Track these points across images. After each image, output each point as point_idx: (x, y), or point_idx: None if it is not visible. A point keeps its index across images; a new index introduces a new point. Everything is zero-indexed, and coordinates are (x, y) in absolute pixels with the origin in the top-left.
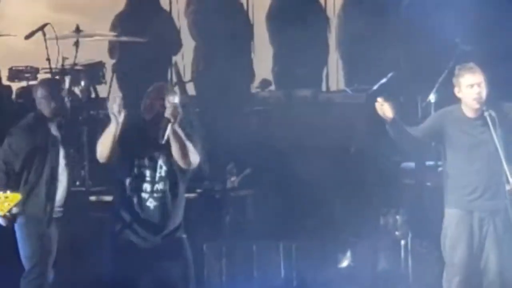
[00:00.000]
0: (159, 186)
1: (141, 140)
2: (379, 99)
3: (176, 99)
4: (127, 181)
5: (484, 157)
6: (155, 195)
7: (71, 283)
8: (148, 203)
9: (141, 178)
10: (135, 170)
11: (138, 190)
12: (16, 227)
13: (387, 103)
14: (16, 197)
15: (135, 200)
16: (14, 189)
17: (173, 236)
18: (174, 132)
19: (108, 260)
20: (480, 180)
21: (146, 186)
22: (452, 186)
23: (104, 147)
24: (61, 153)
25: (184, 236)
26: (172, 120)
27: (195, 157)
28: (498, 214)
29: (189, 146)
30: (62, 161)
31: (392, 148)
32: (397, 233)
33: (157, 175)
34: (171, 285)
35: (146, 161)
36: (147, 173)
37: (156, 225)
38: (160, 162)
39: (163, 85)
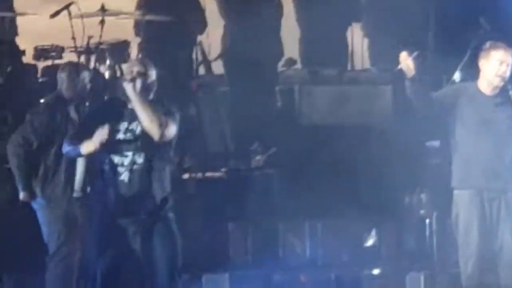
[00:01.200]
0: (134, 159)
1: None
2: (404, 53)
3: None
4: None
5: (494, 135)
6: (129, 168)
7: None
8: (123, 177)
9: (117, 153)
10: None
11: (115, 165)
12: (38, 208)
13: (411, 59)
14: None
15: (112, 175)
16: (33, 166)
17: (157, 214)
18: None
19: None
20: (490, 159)
21: (122, 160)
22: (461, 165)
23: None
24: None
25: (171, 215)
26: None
27: (167, 130)
28: (509, 194)
29: (154, 115)
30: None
31: (417, 127)
32: (421, 211)
33: (132, 149)
34: (154, 264)
35: (121, 135)
36: (123, 147)
37: (132, 201)
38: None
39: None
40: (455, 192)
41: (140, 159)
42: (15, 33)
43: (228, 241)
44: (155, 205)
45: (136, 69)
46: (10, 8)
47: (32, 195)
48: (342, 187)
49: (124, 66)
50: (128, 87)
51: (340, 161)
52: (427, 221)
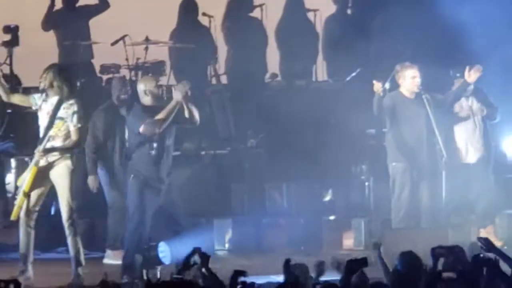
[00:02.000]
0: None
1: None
2: (375, 81)
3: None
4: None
5: (416, 126)
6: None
7: None
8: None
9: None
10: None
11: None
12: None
13: (378, 83)
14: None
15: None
16: (99, 155)
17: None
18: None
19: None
20: (417, 142)
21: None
22: (395, 146)
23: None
24: (126, 129)
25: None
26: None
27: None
28: (430, 166)
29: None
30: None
31: (359, 120)
32: (363, 177)
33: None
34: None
35: None
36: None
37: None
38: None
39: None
40: (393, 164)
41: (169, 141)
42: (91, 55)
43: (231, 196)
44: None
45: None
46: (89, 38)
47: (96, 177)
48: (309, 160)
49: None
50: (177, 94)
51: (308, 143)
52: (366, 183)
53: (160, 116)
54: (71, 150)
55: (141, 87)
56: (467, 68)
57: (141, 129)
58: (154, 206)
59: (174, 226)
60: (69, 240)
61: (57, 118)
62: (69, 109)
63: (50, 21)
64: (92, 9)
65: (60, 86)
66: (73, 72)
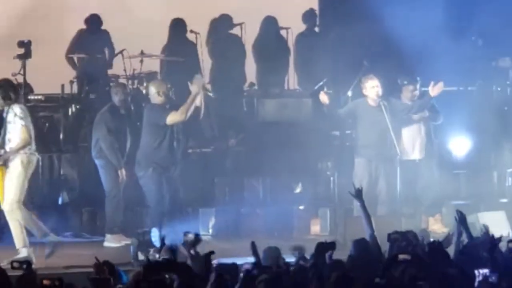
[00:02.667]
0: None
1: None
2: (322, 93)
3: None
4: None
5: (378, 129)
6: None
7: None
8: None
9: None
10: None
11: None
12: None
13: (325, 95)
14: None
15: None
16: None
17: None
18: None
19: None
20: (376, 142)
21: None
22: (360, 145)
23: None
24: (128, 127)
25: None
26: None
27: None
28: (387, 162)
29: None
30: (130, 131)
31: (325, 123)
32: (328, 172)
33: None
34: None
35: None
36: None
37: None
38: None
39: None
40: (356, 160)
41: (179, 134)
42: (110, 66)
43: (214, 189)
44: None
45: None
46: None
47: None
48: (282, 158)
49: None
50: (195, 87)
51: (281, 143)
52: (331, 178)
53: (184, 106)
54: (23, 148)
55: (153, 89)
56: (432, 83)
57: (168, 119)
58: (169, 193)
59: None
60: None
61: (8, 123)
62: (14, 114)
63: (77, 47)
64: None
65: (4, 96)
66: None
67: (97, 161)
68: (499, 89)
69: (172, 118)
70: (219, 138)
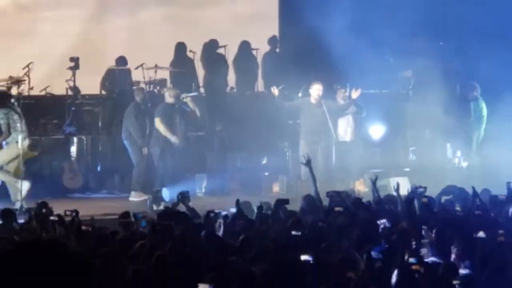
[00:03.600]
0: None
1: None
2: (273, 87)
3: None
4: None
5: (317, 120)
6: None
7: None
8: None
9: None
10: None
11: None
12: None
13: (275, 90)
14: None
15: None
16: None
17: None
18: None
19: None
20: (315, 129)
21: None
22: (302, 131)
23: None
24: (147, 118)
25: None
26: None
27: None
28: (323, 143)
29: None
30: (148, 121)
31: (283, 114)
32: (285, 149)
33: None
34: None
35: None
36: None
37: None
38: None
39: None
40: (300, 141)
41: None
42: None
43: (206, 160)
44: None
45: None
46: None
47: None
48: (254, 140)
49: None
50: (188, 99)
51: (252, 129)
52: (287, 153)
53: (165, 132)
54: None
55: (167, 93)
56: (353, 89)
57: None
58: (174, 164)
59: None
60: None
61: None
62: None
63: (108, 81)
64: None
65: None
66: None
67: (125, 142)
68: (404, 91)
69: (159, 125)
70: (209, 125)
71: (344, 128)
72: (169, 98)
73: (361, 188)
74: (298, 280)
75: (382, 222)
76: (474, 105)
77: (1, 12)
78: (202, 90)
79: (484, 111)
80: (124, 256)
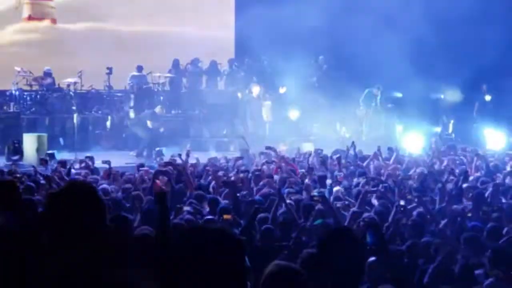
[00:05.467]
0: None
1: None
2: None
3: None
4: None
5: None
6: None
7: None
8: None
9: None
10: None
11: None
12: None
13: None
14: None
15: None
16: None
17: None
18: None
19: None
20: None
21: None
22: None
23: None
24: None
25: None
26: None
27: None
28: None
29: None
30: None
31: (239, 105)
32: (240, 126)
33: None
34: None
35: None
36: None
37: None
38: None
39: None
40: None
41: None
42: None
43: (189, 130)
44: None
45: None
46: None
47: None
48: (218, 120)
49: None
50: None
51: (218, 112)
52: (242, 129)
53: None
54: None
55: None
56: (280, 87)
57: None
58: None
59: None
60: None
61: None
62: None
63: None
64: None
65: None
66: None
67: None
68: (315, 83)
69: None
70: (189, 109)
71: (266, 114)
72: None
73: (283, 148)
74: None
75: (301, 171)
76: (367, 95)
77: None
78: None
79: (373, 100)
80: None
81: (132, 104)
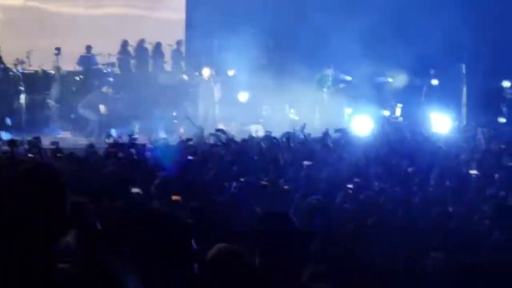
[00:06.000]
0: None
1: None
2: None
3: None
4: None
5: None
6: None
7: None
8: None
9: None
10: None
11: None
12: None
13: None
14: None
15: None
16: None
17: None
18: None
19: None
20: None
21: None
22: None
23: None
24: None
25: None
26: None
27: None
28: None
29: None
30: None
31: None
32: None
33: None
34: None
35: None
36: None
37: None
38: None
39: None
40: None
41: None
42: None
43: (138, 115)
44: None
45: None
46: None
47: None
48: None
49: None
50: None
51: (164, 93)
52: (190, 111)
53: None
54: None
55: None
56: (229, 70)
57: None
58: None
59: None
60: None
61: None
62: None
63: None
64: None
65: None
66: None
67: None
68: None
69: None
70: (138, 91)
71: (217, 96)
72: None
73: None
74: None
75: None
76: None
77: None
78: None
79: (326, 82)
80: None
81: (81, 85)
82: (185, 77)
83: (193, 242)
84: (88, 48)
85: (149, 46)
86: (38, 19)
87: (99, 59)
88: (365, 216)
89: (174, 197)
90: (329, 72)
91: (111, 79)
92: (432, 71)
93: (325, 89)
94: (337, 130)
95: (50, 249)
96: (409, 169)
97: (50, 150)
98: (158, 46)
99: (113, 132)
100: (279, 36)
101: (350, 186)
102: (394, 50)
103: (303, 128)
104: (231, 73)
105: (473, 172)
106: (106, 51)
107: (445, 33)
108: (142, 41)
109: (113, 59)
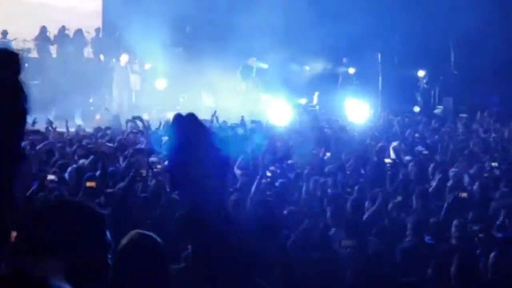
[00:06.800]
0: None
1: None
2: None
3: None
4: None
5: None
6: None
7: None
8: None
9: None
10: None
11: None
12: None
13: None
14: None
15: None
16: None
17: None
18: None
19: None
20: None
21: None
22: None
23: None
24: None
25: None
26: None
27: None
28: None
29: None
30: None
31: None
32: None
33: None
34: None
35: None
36: None
37: None
38: None
39: None
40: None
41: None
42: None
43: (55, 101)
44: None
45: None
46: None
47: None
48: None
49: None
50: None
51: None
52: (107, 98)
53: None
54: None
55: None
56: (146, 64)
57: None
58: None
59: None
60: None
61: None
62: None
63: None
64: None
65: None
66: None
67: None
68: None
69: None
70: (55, 77)
71: (134, 83)
72: None
73: (147, 117)
74: None
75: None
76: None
77: None
78: None
79: (250, 72)
80: None
81: None
82: (101, 61)
83: (107, 233)
84: (4, 33)
85: (68, 32)
86: None
87: (15, 44)
88: (280, 202)
89: (89, 183)
90: (253, 62)
91: (26, 65)
92: (345, 59)
93: (249, 81)
94: (253, 121)
95: None
96: (325, 157)
97: None
98: (79, 33)
99: (28, 119)
100: (195, 23)
101: (268, 174)
102: (310, 37)
103: (213, 115)
104: (147, 66)
105: (388, 160)
106: (23, 37)
107: (361, 22)
108: (63, 28)
109: (30, 45)
